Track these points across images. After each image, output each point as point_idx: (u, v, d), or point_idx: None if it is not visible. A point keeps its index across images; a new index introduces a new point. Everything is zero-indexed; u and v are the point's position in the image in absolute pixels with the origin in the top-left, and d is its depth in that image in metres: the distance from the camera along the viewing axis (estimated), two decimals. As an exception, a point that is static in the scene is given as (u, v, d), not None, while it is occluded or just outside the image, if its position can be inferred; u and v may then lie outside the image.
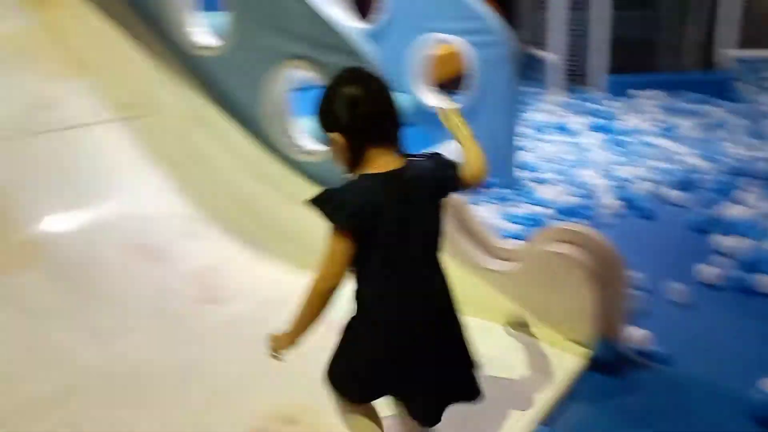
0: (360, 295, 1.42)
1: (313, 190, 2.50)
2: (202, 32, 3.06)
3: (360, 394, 1.49)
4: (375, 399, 1.50)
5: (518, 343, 2.11)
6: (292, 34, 2.63)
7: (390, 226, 1.34)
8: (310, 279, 1.36)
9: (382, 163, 1.36)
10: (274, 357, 1.43)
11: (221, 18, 2.92)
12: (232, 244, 2.65)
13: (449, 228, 2.31)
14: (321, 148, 2.77)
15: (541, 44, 6.46)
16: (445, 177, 1.49)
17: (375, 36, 3.79)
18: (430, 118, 3.75)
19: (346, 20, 3.78)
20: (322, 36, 2.55)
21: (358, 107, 1.32)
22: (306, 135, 2.88)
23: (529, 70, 6.68)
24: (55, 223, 2.42)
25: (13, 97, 2.68)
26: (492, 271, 2.25)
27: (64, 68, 2.94)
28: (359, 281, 1.41)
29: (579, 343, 2.06)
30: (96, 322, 2.17)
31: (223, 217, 2.75)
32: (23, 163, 2.51)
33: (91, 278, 2.30)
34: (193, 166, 2.89)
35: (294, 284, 2.37)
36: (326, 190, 1.35)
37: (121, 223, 2.56)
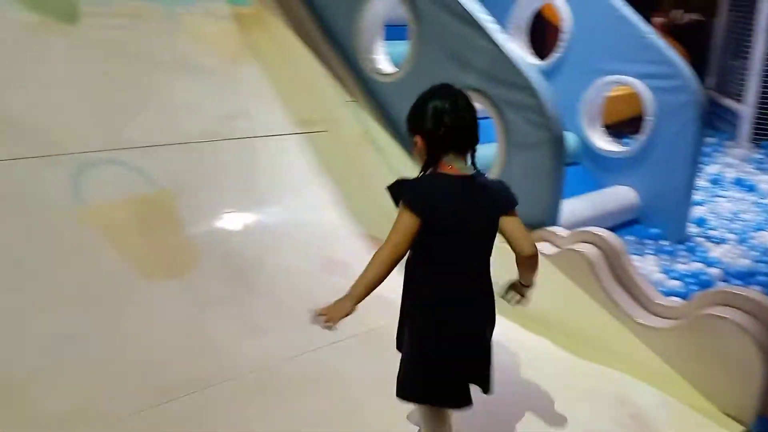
0: (416, 286, 1.55)
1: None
2: (384, 59, 3.26)
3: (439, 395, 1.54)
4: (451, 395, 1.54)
5: (667, 406, 1.99)
6: (470, 66, 2.72)
7: (452, 218, 1.47)
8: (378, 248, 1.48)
9: (454, 168, 1.50)
10: (328, 328, 1.46)
11: (402, 47, 3.09)
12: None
13: (604, 277, 2.25)
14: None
15: (728, 92, 5.99)
16: (508, 198, 1.59)
17: (548, 73, 3.77)
18: (596, 158, 3.67)
19: (525, 56, 3.81)
20: (500, 71, 2.61)
21: (443, 118, 1.49)
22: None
23: (713, 120, 6.22)
24: (229, 223, 2.68)
25: (211, 108, 3.03)
26: (646, 326, 2.14)
27: (258, 84, 3.28)
28: (417, 270, 1.54)
29: (736, 418, 1.90)
30: (253, 318, 2.34)
31: (381, 238, 2.87)
32: (210, 166, 2.81)
33: (255, 276, 2.51)
34: (359, 184, 3.07)
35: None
36: (401, 179, 1.51)
37: (287, 229, 2.78)
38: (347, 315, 1.47)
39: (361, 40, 3.24)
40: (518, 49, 2.98)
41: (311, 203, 2.96)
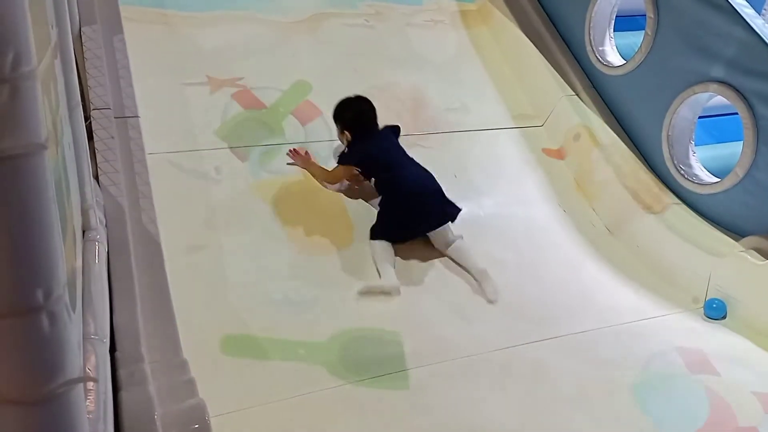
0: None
1: (704, 227, 2.31)
2: (612, 51, 3.11)
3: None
4: None
5: None
6: (715, 56, 2.49)
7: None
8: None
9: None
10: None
11: (634, 38, 2.92)
12: (593, 260, 2.67)
13: None
14: (715, 180, 2.57)
15: None
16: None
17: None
18: None
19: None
20: (754, 60, 2.35)
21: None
22: (700, 165, 2.70)
23: None
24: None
25: (432, 99, 3.15)
26: None
27: (478, 78, 3.34)
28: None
29: None
30: (463, 305, 2.38)
31: (595, 237, 2.77)
32: (428, 156, 2.91)
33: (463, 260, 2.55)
34: (574, 180, 2.98)
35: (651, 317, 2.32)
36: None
37: (499, 221, 2.79)
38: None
39: (590, 31, 3.12)
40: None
41: (522, 197, 2.94)
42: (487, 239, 2.67)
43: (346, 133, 2.58)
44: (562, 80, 3.22)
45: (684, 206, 2.66)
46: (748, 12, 2.40)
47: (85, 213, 1.58)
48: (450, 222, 2.51)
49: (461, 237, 2.50)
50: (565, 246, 2.75)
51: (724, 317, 2.33)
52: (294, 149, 2.66)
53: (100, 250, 1.55)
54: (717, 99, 2.63)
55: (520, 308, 2.28)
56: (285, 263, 2.35)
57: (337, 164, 2.60)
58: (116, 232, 1.82)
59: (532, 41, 3.35)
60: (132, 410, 1.15)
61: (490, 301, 2.31)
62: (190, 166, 2.53)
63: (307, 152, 2.67)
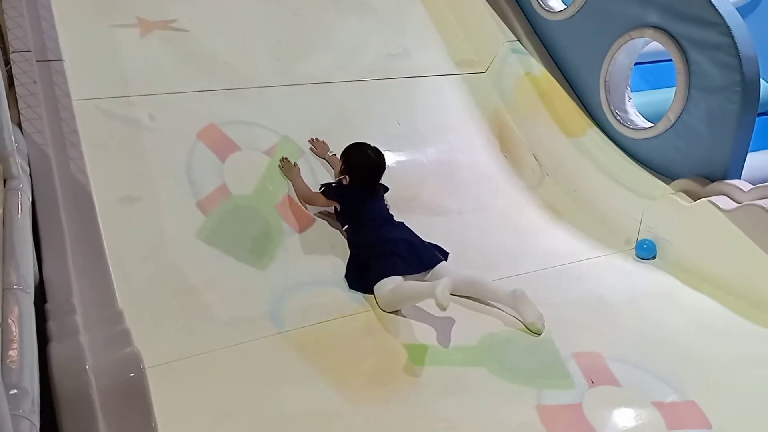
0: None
1: (637, 171, 2.39)
2: (556, -4, 3.11)
3: None
4: None
5: None
6: (652, 2, 2.51)
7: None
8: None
9: None
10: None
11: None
12: (532, 205, 2.73)
13: None
14: (649, 125, 2.64)
15: None
16: None
17: (746, 9, 3.37)
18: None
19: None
20: (688, 5, 2.38)
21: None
22: (635, 110, 2.76)
23: None
24: (392, 156, 2.72)
25: (376, 45, 3.10)
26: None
27: (421, 23, 3.28)
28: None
29: None
30: None
31: (534, 181, 2.83)
32: (369, 102, 2.89)
33: (410, 212, 2.52)
34: (508, 126, 3.01)
35: (586, 258, 2.38)
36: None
37: (442, 167, 2.80)
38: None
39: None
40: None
41: (465, 144, 2.95)
42: (430, 186, 2.68)
43: (347, 176, 2.41)
44: (504, 26, 3.20)
45: (619, 150, 2.72)
46: (680, -44, 2.42)
47: (4, 160, 1.50)
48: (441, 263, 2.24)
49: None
50: (507, 192, 2.80)
51: (654, 257, 2.43)
52: (315, 138, 2.60)
53: (23, 199, 1.48)
54: (653, 45, 2.67)
55: (463, 254, 2.32)
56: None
57: (321, 189, 2.43)
58: (42, 181, 1.74)
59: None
60: (62, 361, 1.11)
61: (538, 332, 1.99)
62: (121, 113, 2.42)
63: (324, 142, 2.61)
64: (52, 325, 1.24)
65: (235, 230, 2.24)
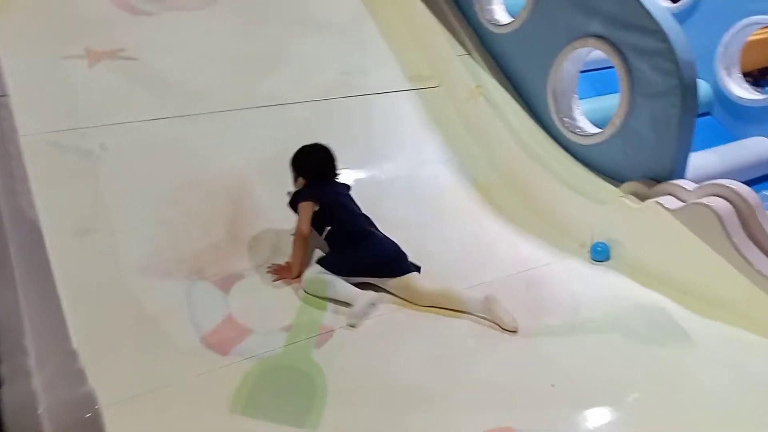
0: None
1: (587, 176, 2.47)
2: (500, 9, 3.18)
3: None
4: None
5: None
6: (593, 11, 2.59)
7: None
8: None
9: None
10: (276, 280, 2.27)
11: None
12: (489, 214, 2.77)
13: (735, 233, 2.12)
14: (597, 131, 2.72)
15: None
16: None
17: (683, 16, 3.50)
18: (732, 108, 3.40)
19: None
20: (627, 14, 2.46)
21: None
22: (584, 117, 2.84)
23: None
24: (345, 178, 2.76)
25: (331, 64, 3.12)
26: (782, 285, 2.01)
27: (374, 41, 3.33)
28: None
29: None
30: None
31: (491, 192, 2.88)
32: (328, 122, 2.90)
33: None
34: (470, 139, 3.07)
35: (544, 264, 2.43)
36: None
37: (401, 183, 2.84)
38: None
39: (476, -11, 3.18)
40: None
41: (423, 158, 2.99)
42: (389, 202, 2.71)
43: (301, 179, 2.40)
44: (455, 40, 3.27)
45: (570, 157, 2.79)
46: (618, -32, 2.50)
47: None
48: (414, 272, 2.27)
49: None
50: (465, 202, 2.84)
51: (608, 259, 2.49)
52: (273, 266, 2.34)
53: (-32, 239, 1.46)
54: (599, 53, 2.75)
55: (425, 265, 2.34)
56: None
57: (294, 206, 2.37)
58: (-10, 220, 1.72)
59: (424, 2, 3.37)
60: (13, 406, 1.10)
61: (516, 329, 2.03)
62: (73, 145, 2.40)
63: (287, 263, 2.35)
64: (4, 369, 1.22)
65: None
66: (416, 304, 2.18)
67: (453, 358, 1.96)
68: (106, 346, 1.84)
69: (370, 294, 2.17)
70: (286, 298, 2.21)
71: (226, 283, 2.21)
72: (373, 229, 2.37)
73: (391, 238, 2.34)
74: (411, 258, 2.32)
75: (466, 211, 2.78)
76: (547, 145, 2.86)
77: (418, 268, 2.29)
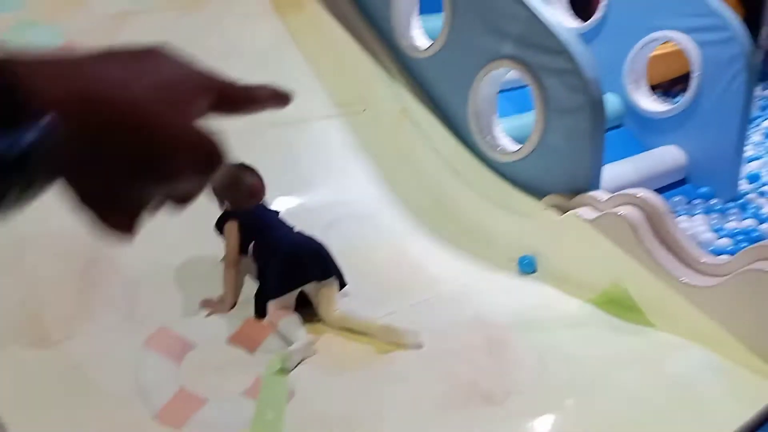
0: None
1: (511, 192, 2.56)
2: (419, 34, 3.28)
3: None
4: None
5: (709, 363, 1.98)
6: (505, 35, 2.71)
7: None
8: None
9: None
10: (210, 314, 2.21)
11: (438, 20, 3.10)
12: (419, 235, 2.83)
13: (647, 239, 2.24)
14: (517, 147, 2.83)
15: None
16: None
17: (591, 35, 3.70)
18: (641, 119, 3.60)
19: (562, 20, 3.75)
20: (536, 36, 2.59)
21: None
22: (507, 136, 2.95)
23: (770, 71, 5.94)
24: (277, 202, 2.76)
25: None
26: (691, 286, 2.13)
27: (297, 67, 3.36)
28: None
29: (787, 373, 1.88)
30: None
31: (421, 213, 2.94)
32: (255, 151, 2.88)
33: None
34: (398, 162, 3.13)
35: (473, 281, 2.50)
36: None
37: (330, 209, 2.86)
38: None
39: (397, 16, 3.26)
40: (553, 14, 2.95)
41: (352, 183, 3.03)
42: (318, 229, 2.71)
43: (227, 202, 2.35)
44: (378, 66, 3.34)
45: (495, 175, 2.89)
46: (525, -8, 2.63)
47: None
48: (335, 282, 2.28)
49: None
50: (395, 225, 2.89)
51: (534, 271, 2.58)
52: (205, 300, 2.27)
53: None
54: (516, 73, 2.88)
55: (356, 290, 2.35)
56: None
57: (220, 228, 2.34)
58: None
59: (346, 28, 3.44)
60: None
61: (420, 346, 2.07)
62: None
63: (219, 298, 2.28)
64: None
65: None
66: (326, 323, 2.19)
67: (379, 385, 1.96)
68: (30, 402, 1.77)
69: (303, 346, 2.03)
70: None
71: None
72: (299, 231, 2.35)
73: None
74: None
75: (395, 233, 2.83)
76: (473, 165, 2.96)
77: (343, 282, 2.30)
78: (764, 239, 2.80)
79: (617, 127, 3.62)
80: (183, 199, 0.52)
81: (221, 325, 2.18)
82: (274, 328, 2.14)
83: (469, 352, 2.05)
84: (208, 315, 2.23)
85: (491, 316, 2.26)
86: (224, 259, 2.32)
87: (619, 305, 2.27)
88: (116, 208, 0.48)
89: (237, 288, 2.30)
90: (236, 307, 2.28)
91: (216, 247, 2.36)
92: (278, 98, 0.58)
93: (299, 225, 2.56)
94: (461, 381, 1.93)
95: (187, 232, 2.25)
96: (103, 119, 0.44)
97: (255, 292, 2.27)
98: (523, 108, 3.41)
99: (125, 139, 0.45)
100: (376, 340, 2.11)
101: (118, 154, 0.45)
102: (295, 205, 2.79)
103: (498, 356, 2.03)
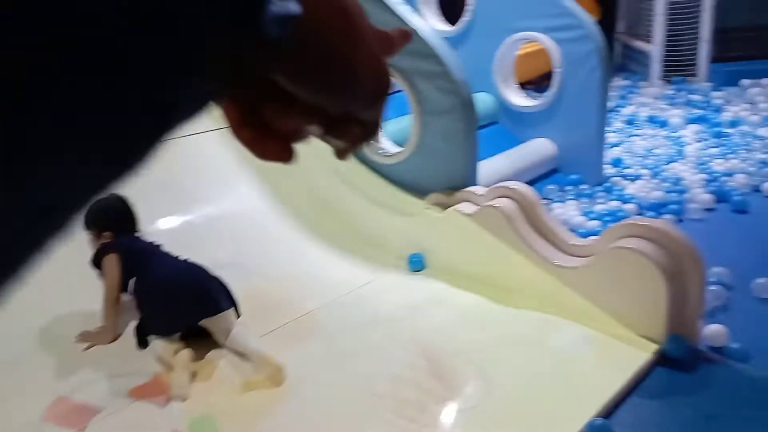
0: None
1: (396, 193, 2.62)
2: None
3: None
4: None
5: (584, 337, 2.14)
6: (372, 43, 2.78)
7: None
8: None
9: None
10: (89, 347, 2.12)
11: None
12: (311, 243, 2.86)
13: (522, 228, 2.38)
14: (399, 150, 2.92)
15: (638, 34, 6.25)
16: None
17: (460, 38, 3.88)
18: (513, 115, 3.83)
19: (433, 24, 3.91)
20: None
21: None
22: (387, 138, 3.04)
23: (628, 62, 6.49)
24: (159, 227, 2.71)
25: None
26: (563, 267, 2.29)
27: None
28: None
29: (649, 338, 2.07)
30: None
31: (305, 218, 2.97)
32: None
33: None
34: (283, 174, 3.13)
35: (366, 282, 2.56)
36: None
37: (216, 224, 2.83)
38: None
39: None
40: (422, 19, 3.07)
41: (239, 196, 3.01)
42: (206, 245, 2.67)
43: (106, 234, 2.22)
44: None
45: (380, 178, 2.97)
46: (392, 0, 2.72)
47: None
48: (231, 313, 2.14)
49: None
50: (286, 233, 2.90)
51: (424, 267, 2.68)
52: (84, 333, 2.16)
53: None
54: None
55: (249, 302, 2.33)
56: None
57: (97, 263, 2.18)
58: None
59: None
60: None
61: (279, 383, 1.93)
62: None
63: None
64: None
65: None
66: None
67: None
68: None
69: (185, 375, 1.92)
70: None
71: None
72: (187, 262, 2.20)
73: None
74: (238, 297, 2.31)
75: (288, 242, 2.84)
76: (358, 170, 3.02)
77: (236, 308, 2.17)
78: (627, 218, 3.07)
79: (493, 123, 3.82)
80: (340, 127, 0.47)
81: (125, 383, 1.97)
82: (170, 368, 1.99)
83: (372, 352, 2.10)
84: (87, 348, 2.11)
85: (389, 314, 2.32)
86: (104, 297, 2.14)
87: (501, 291, 2.40)
88: (285, 125, 0.44)
89: (118, 321, 2.16)
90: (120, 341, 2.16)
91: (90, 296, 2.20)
92: (407, 37, 0.53)
93: (185, 246, 2.51)
94: (366, 377, 1.97)
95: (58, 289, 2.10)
96: (334, 23, 0.40)
97: (135, 325, 2.14)
98: (401, 111, 3.53)
99: (343, 49, 0.41)
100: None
101: (330, 60, 0.41)
102: (179, 224, 2.73)
103: (403, 350, 2.09)
